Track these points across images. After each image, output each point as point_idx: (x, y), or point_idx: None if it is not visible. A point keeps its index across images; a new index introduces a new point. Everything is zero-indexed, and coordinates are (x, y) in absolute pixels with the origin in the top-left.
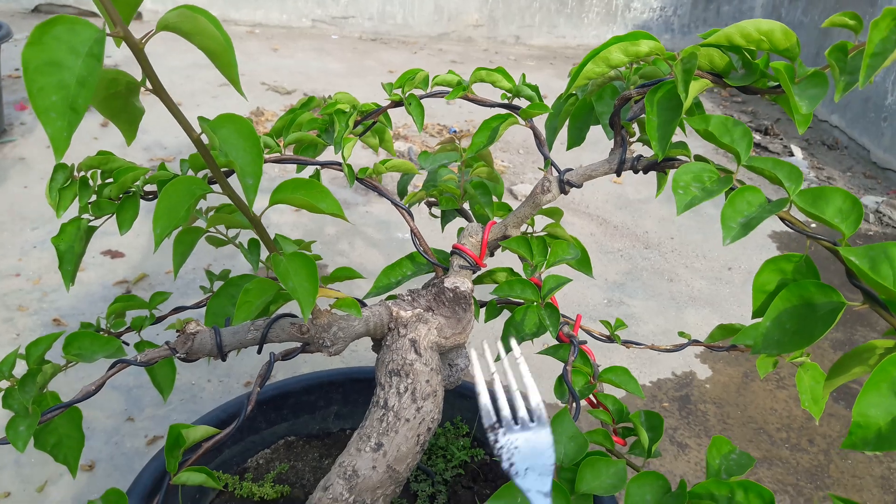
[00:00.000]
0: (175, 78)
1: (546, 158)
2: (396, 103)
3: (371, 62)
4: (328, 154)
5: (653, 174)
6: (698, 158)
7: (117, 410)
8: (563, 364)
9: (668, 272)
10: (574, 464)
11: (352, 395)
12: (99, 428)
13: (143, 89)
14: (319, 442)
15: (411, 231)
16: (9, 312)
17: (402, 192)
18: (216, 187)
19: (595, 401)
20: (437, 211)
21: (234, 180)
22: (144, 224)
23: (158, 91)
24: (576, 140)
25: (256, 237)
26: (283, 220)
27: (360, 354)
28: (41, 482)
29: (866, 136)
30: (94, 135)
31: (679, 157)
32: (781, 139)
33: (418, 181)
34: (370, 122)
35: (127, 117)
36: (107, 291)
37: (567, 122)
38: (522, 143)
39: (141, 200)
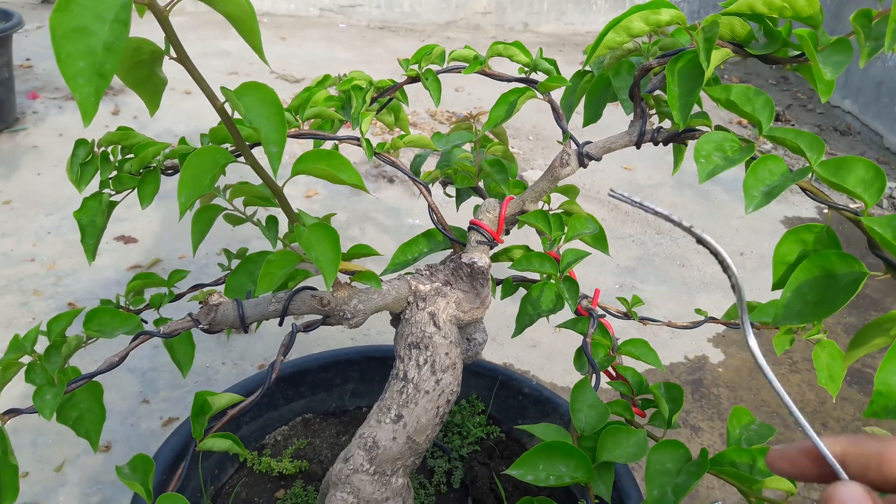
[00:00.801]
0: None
1: (564, 131)
2: (413, 79)
3: (379, 50)
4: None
5: (664, 159)
6: (718, 128)
7: (132, 393)
8: (577, 345)
9: (679, 257)
10: (595, 432)
11: (368, 372)
12: (115, 410)
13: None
14: (336, 419)
15: (429, 206)
16: (24, 297)
17: (415, 172)
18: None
19: (614, 373)
20: (451, 191)
21: (257, 153)
22: (157, 210)
23: (183, 60)
24: (592, 117)
25: (273, 215)
26: (294, 206)
27: (371, 338)
28: (59, 462)
29: (879, 122)
30: (105, 122)
31: (699, 127)
32: (793, 125)
33: (430, 164)
34: (387, 98)
35: (151, 87)
36: (121, 276)
37: (584, 100)
38: (532, 129)
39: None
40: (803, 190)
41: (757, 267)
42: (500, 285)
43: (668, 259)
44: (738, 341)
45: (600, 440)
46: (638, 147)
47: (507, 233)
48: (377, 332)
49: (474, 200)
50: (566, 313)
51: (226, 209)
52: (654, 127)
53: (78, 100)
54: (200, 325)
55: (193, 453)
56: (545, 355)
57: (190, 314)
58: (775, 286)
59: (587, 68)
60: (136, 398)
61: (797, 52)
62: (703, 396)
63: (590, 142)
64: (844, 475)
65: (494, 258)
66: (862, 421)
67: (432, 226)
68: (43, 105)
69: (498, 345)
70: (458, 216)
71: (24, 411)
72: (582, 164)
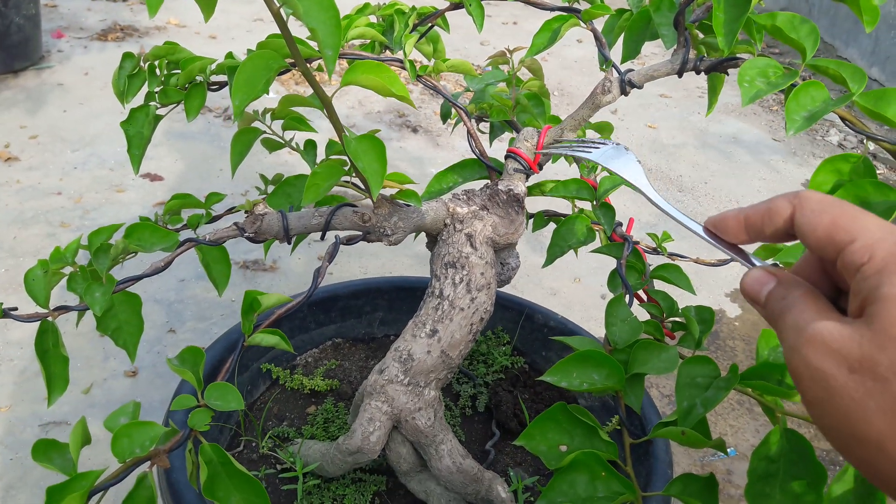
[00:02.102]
0: None
1: (607, 59)
2: (456, 5)
3: None
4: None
5: (688, 119)
6: (761, 56)
7: (159, 322)
8: (596, 294)
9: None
10: (627, 346)
11: (396, 302)
12: (142, 338)
13: None
14: (365, 345)
15: (468, 132)
16: (52, 228)
17: (445, 114)
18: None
19: (645, 297)
20: (484, 127)
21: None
22: (183, 150)
23: None
24: (631, 53)
25: (311, 139)
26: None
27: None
28: (87, 385)
29: None
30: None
31: (741, 55)
32: None
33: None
34: (427, 26)
35: None
36: (146, 211)
37: (622, 37)
38: (557, 84)
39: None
40: (843, 119)
41: None
42: (532, 219)
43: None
44: None
45: (633, 353)
46: (680, 75)
47: (541, 168)
48: (403, 266)
49: (505, 139)
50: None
51: (264, 133)
52: (698, 56)
53: None
54: (246, 234)
55: (241, 347)
56: (564, 304)
57: (236, 223)
58: None
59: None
60: (163, 328)
61: None
62: (718, 348)
63: (632, 69)
64: (751, 263)
65: (527, 193)
66: None
67: None
68: (68, 44)
69: (517, 292)
70: (491, 152)
71: (73, 308)
72: (623, 92)
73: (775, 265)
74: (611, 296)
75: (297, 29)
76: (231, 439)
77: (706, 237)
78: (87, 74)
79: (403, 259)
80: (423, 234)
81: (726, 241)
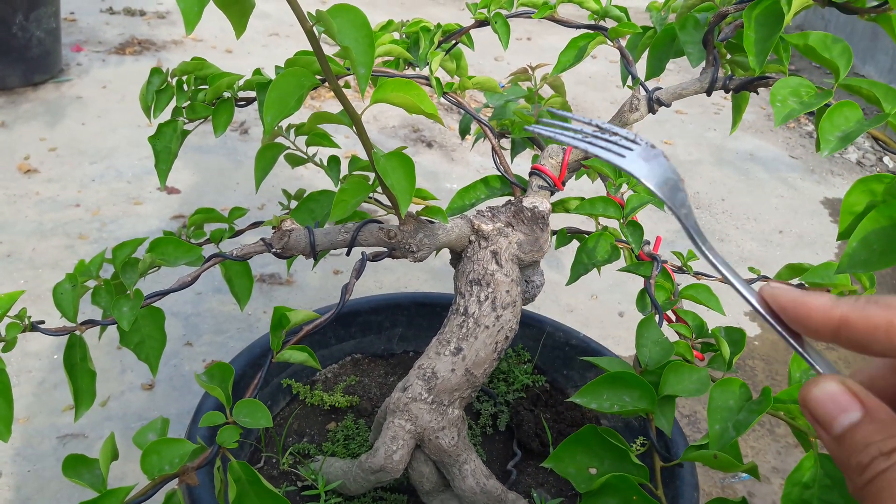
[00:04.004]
0: (226, 25)
1: (634, 77)
2: (481, 22)
3: (419, 15)
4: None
5: (704, 136)
6: (793, 74)
7: (176, 336)
8: (614, 311)
9: (718, 232)
10: (659, 367)
11: (416, 318)
12: None
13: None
14: (384, 361)
15: (492, 149)
16: (70, 240)
17: (464, 129)
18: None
19: (674, 317)
20: (505, 143)
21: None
22: (200, 164)
23: None
24: (655, 70)
25: (335, 155)
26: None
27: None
28: (104, 398)
29: None
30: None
31: (772, 74)
32: None
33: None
34: (451, 43)
35: (239, 9)
36: (164, 224)
37: (646, 54)
38: (572, 100)
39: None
40: (876, 140)
41: (795, 245)
42: (555, 236)
43: (706, 234)
44: None
45: (664, 375)
46: (709, 94)
47: (564, 185)
48: (421, 280)
49: (525, 156)
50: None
51: (288, 148)
52: (727, 75)
53: (182, 9)
54: (273, 250)
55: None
56: (581, 321)
57: (263, 239)
58: (841, 236)
59: (650, 24)
60: (180, 341)
61: (877, 2)
62: (739, 368)
63: (660, 87)
64: (819, 368)
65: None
66: None
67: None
68: (87, 58)
69: (535, 309)
70: (512, 168)
71: (101, 322)
72: (651, 110)
73: (844, 379)
74: (628, 313)
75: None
76: (252, 455)
77: (758, 307)
78: (105, 88)
79: (419, 274)
80: (444, 251)
81: (787, 326)
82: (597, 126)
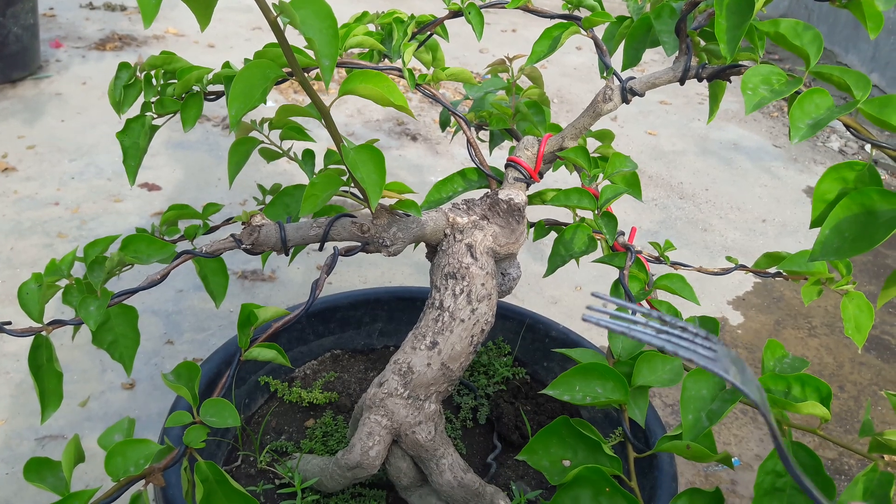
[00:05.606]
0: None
1: (608, 67)
2: (455, 13)
3: (404, 9)
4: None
5: (688, 126)
6: (764, 63)
7: (157, 334)
8: (600, 302)
9: (702, 222)
10: (631, 358)
11: (396, 313)
12: (139, 350)
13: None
14: (364, 356)
15: (467, 141)
16: (49, 238)
17: (445, 121)
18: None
19: (649, 306)
20: (484, 135)
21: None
22: (181, 160)
23: None
24: (632, 60)
25: (310, 149)
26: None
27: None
28: (83, 398)
29: None
30: None
31: (744, 62)
32: None
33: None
34: (426, 34)
35: (203, 1)
36: (144, 222)
37: (623, 44)
38: (557, 92)
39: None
40: (847, 127)
41: (778, 234)
42: (533, 228)
43: (690, 223)
44: (757, 304)
45: (636, 365)
46: (682, 83)
47: (541, 177)
48: (403, 275)
49: (506, 147)
50: (591, 264)
51: (262, 143)
52: (700, 63)
53: (139, 2)
54: (243, 246)
55: (238, 362)
56: (565, 313)
57: (233, 235)
58: (814, 224)
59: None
60: (161, 339)
61: None
62: None
63: (633, 77)
64: None
65: (528, 201)
66: (878, 385)
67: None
68: (66, 54)
69: (518, 301)
70: (491, 160)
71: (68, 322)
72: (625, 100)
73: None
74: None
75: (295, 38)
76: (229, 454)
77: None
78: (85, 84)
79: (403, 268)
80: (422, 244)
81: None
82: (661, 319)
